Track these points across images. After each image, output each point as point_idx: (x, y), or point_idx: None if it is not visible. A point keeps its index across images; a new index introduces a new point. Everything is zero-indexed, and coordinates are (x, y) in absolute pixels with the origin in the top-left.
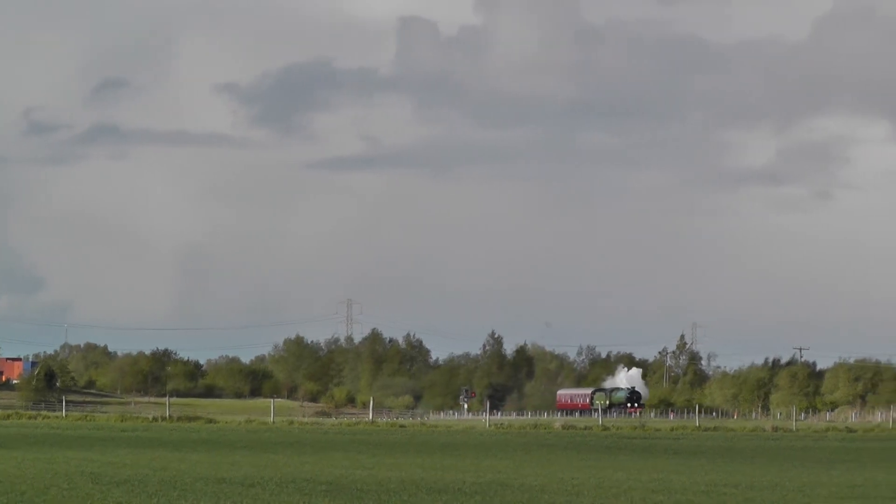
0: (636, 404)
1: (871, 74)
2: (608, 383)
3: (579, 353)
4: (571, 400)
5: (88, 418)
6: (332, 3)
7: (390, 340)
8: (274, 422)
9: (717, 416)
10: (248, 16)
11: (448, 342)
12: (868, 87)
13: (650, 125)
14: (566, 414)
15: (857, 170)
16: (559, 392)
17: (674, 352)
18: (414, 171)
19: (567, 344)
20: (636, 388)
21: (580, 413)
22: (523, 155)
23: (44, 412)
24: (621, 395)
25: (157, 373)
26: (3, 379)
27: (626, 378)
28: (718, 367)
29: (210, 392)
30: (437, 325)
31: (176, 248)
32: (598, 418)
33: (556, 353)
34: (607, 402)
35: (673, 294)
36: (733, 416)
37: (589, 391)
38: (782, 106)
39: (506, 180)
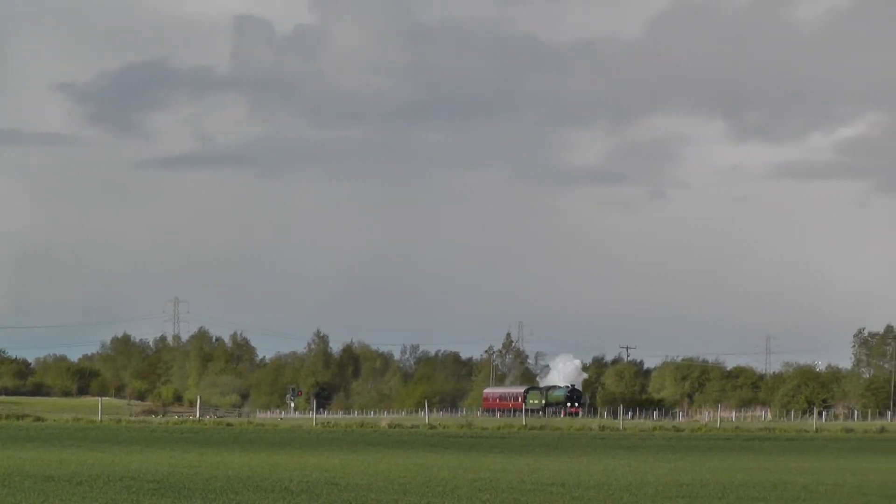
0: (577, 403)
1: (706, 73)
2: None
3: (403, 352)
4: (501, 399)
5: None
6: (169, 2)
7: (217, 339)
8: (101, 420)
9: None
10: (85, 15)
11: (276, 341)
12: (702, 86)
13: (485, 124)
14: (493, 414)
15: (690, 169)
16: (486, 391)
17: (500, 350)
18: (246, 170)
19: (392, 343)
20: (576, 386)
21: (512, 413)
22: (357, 154)
23: None
24: (559, 394)
25: None
26: None
27: (562, 375)
28: (546, 365)
29: (38, 390)
30: (265, 324)
31: (7, 247)
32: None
33: (381, 351)
34: (543, 402)
35: (501, 292)
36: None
37: (521, 390)
38: (617, 105)
39: (339, 180)
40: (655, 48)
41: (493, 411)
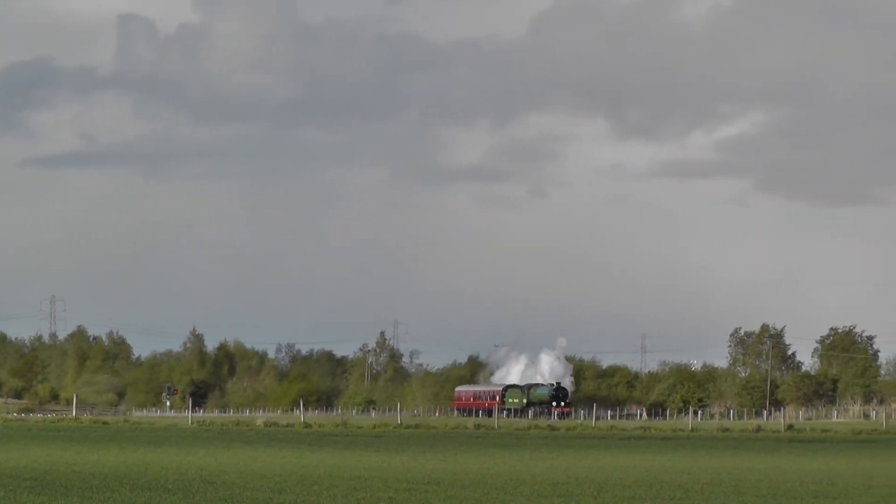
0: (562, 403)
1: (588, 72)
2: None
3: (279, 351)
4: (475, 398)
5: None
6: (53, 2)
7: (94, 338)
8: None
9: (420, 414)
10: None
11: (152, 339)
12: (585, 85)
13: (367, 123)
14: (467, 414)
15: (571, 167)
16: (458, 389)
17: (374, 349)
18: (129, 169)
19: (268, 341)
20: (561, 384)
21: (488, 413)
22: (239, 153)
23: None
24: (543, 393)
25: None
26: None
27: (548, 372)
28: (421, 364)
29: None
30: (142, 323)
31: None
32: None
33: (256, 350)
34: (525, 401)
35: (378, 291)
36: (435, 414)
37: (499, 388)
38: (499, 103)
39: (221, 178)
40: (537, 47)
41: (467, 411)
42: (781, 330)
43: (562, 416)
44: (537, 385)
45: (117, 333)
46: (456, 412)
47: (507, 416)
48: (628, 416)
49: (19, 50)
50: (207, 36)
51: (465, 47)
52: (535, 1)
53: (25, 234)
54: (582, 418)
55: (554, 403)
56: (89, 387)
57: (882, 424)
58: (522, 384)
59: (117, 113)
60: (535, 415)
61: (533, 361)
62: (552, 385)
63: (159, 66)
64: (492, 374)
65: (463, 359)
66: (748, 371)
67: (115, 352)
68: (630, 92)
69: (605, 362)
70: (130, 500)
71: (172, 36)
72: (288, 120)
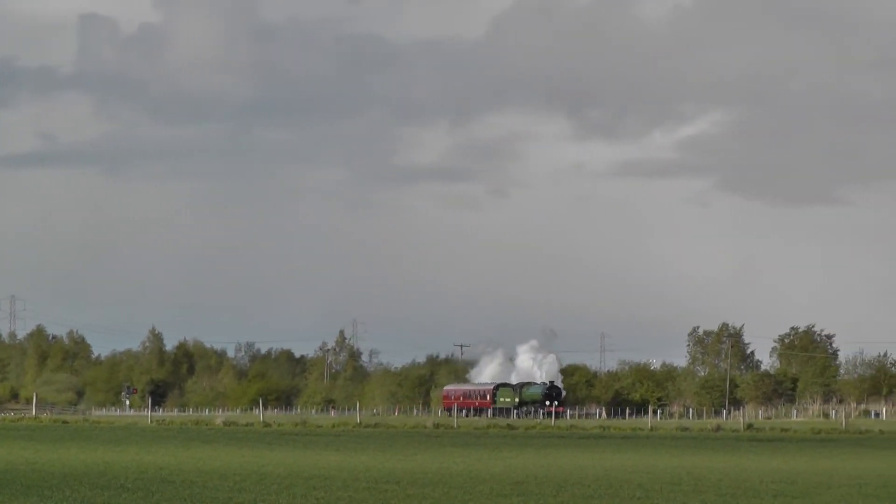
0: (557, 402)
1: (549, 72)
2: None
3: (238, 350)
4: (465, 397)
5: None
6: (15, 2)
7: (54, 337)
8: None
9: (379, 413)
10: None
11: (112, 339)
12: (545, 85)
13: (328, 123)
14: (456, 413)
15: (532, 167)
16: (446, 388)
17: (333, 348)
18: (90, 169)
19: (227, 340)
20: (555, 383)
21: (478, 413)
22: (200, 153)
23: None
24: (536, 392)
25: None
26: None
27: (545, 371)
28: (380, 363)
29: None
30: (102, 322)
31: None
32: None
33: (215, 349)
34: (517, 400)
35: (337, 290)
36: (395, 413)
37: (490, 386)
38: (459, 103)
39: (181, 178)
40: (498, 47)
41: (456, 410)
42: (740, 329)
43: (556, 415)
44: (530, 384)
45: (77, 332)
46: (446, 412)
47: (496, 415)
48: (587, 415)
49: None
50: (168, 36)
51: (425, 47)
52: (496, 1)
53: None
54: (542, 417)
55: (547, 402)
56: (49, 386)
57: (841, 424)
58: (515, 383)
59: (78, 113)
60: (526, 414)
61: (510, 359)
62: (545, 384)
63: (120, 66)
64: (467, 373)
65: (422, 358)
66: (707, 370)
67: (75, 351)
68: (591, 92)
69: (565, 361)
70: (90, 499)
71: (133, 36)
72: (249, 119)
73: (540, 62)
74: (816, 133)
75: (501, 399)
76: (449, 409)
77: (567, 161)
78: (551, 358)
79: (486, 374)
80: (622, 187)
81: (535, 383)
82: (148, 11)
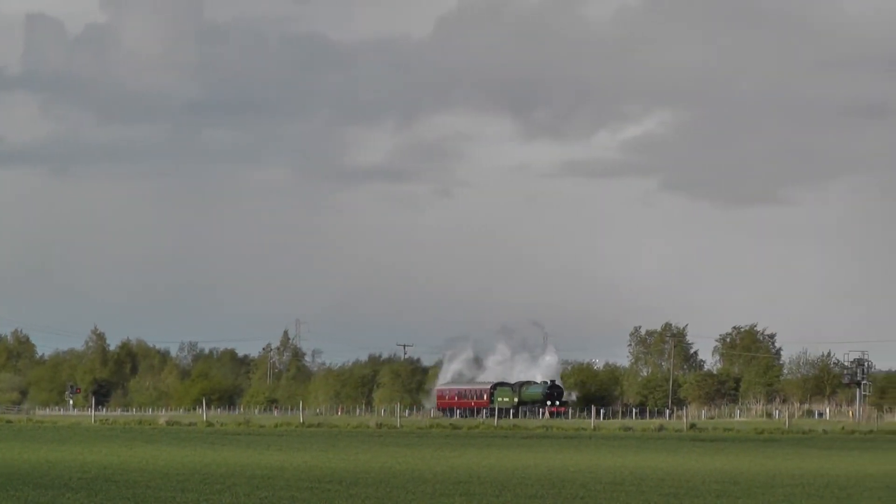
0: (557, 402)
1: (494, 72)
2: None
3: (181, 350)
4: (460, 397)
5: None
6: None
7: None
8: None
9: (322, 412)
10: None
11: (56, 338)
12: (491, 85)
13: (273, 123)
14: (451, 414)
15: (477, 167)
16: (440, 388)
17: (277, 348)
18: (36, 170)
19: (169, 340)
20: (556, 382)
21: (474, 413)
22: (145, 153)
23: None
24: (537, 391)
25: None
26: None
27: (544, 370)
28: (323, 363)
29: None
30: (46, 322)
31: None
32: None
33: (158, 348)
34: (515, 400)
35: (281, 290)
36: (338, 413)
37: (487, 386)
38: (405, 103)
39: (127, 178)
40: (443, 47)
41: (451, 412)
42: (684, 328)
43: (557, 415)
44: (530, 383)
45: (21, 332)
46: (440, 413)
47: (492, 416)
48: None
49: None
50: (114, 36)
51: (371, 47)
52: (442, 1)
53: None
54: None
55: (549, 402)
56: None
57: (785, 423)
58: (514, 382)
59: (24, 113)
60: (526, 414)
61: (477, 359)
62: (546, 383)
63: (67, 66)
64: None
65: (364, 357)
66: (650, 370)
67: (19, 350)
68: (536, 92)
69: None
70: (34, 498)
71: (80, 36)
72: (194, 119)
73: (486, 62)
74: (761, 133)
75: (499, 399)
76: (443, 410)
77: (513, 161)
78: (551, 355)
79: (450, 373)
80: (567, 187)
81: (536, 382)
82: (94, 12)
